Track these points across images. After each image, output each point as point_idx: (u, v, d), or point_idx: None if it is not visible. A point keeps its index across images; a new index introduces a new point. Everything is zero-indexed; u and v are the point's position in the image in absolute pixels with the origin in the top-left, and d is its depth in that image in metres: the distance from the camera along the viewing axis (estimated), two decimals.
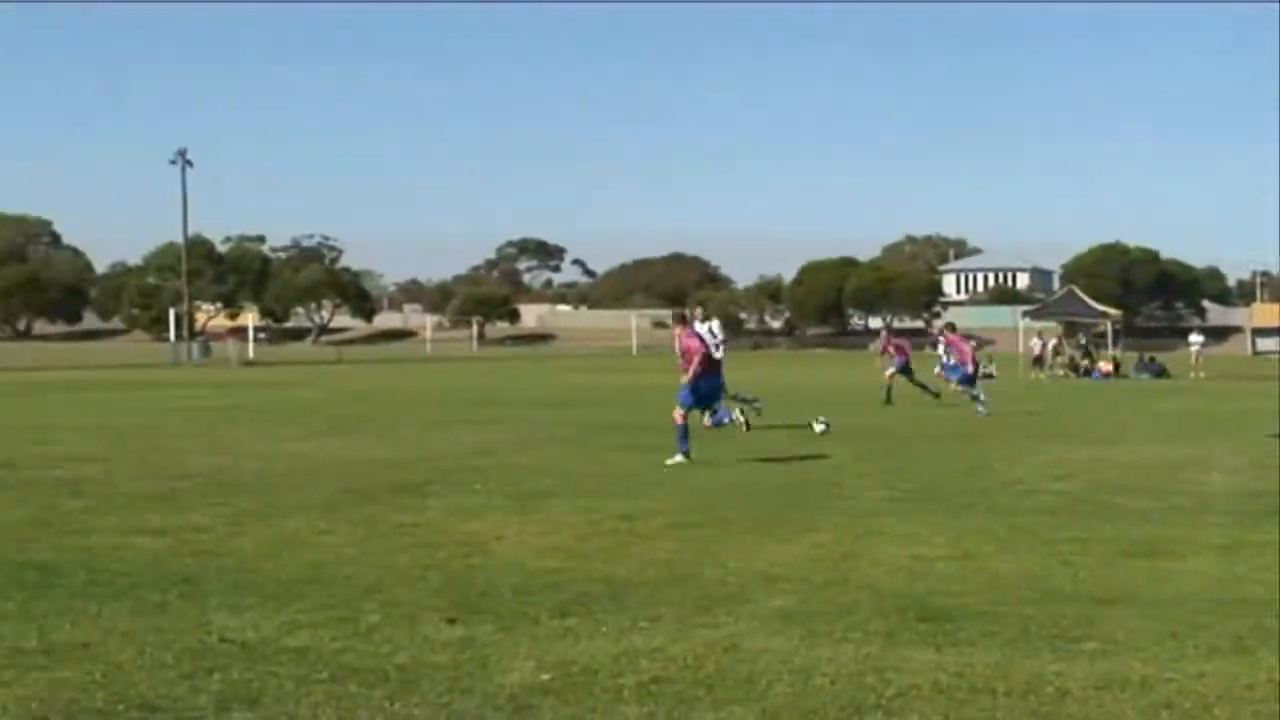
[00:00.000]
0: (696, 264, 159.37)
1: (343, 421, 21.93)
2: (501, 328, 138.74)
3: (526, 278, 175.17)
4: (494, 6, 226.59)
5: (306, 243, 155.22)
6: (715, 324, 17.75)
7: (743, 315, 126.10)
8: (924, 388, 27.57)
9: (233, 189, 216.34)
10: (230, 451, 16.31)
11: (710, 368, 15.87)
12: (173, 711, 5.29)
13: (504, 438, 18.70)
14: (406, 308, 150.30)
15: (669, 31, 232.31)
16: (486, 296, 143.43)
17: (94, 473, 13.68)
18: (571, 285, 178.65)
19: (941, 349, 28.76)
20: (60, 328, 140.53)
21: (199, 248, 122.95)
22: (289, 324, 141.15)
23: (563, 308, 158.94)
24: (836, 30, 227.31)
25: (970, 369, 26.49)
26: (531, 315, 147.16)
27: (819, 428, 18.96)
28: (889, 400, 27.11)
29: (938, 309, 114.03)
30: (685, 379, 15.66)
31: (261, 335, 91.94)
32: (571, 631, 6.68)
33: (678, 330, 16.83)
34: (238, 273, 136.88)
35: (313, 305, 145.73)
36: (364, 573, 8.22)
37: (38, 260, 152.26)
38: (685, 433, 15.15)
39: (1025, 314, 57.62)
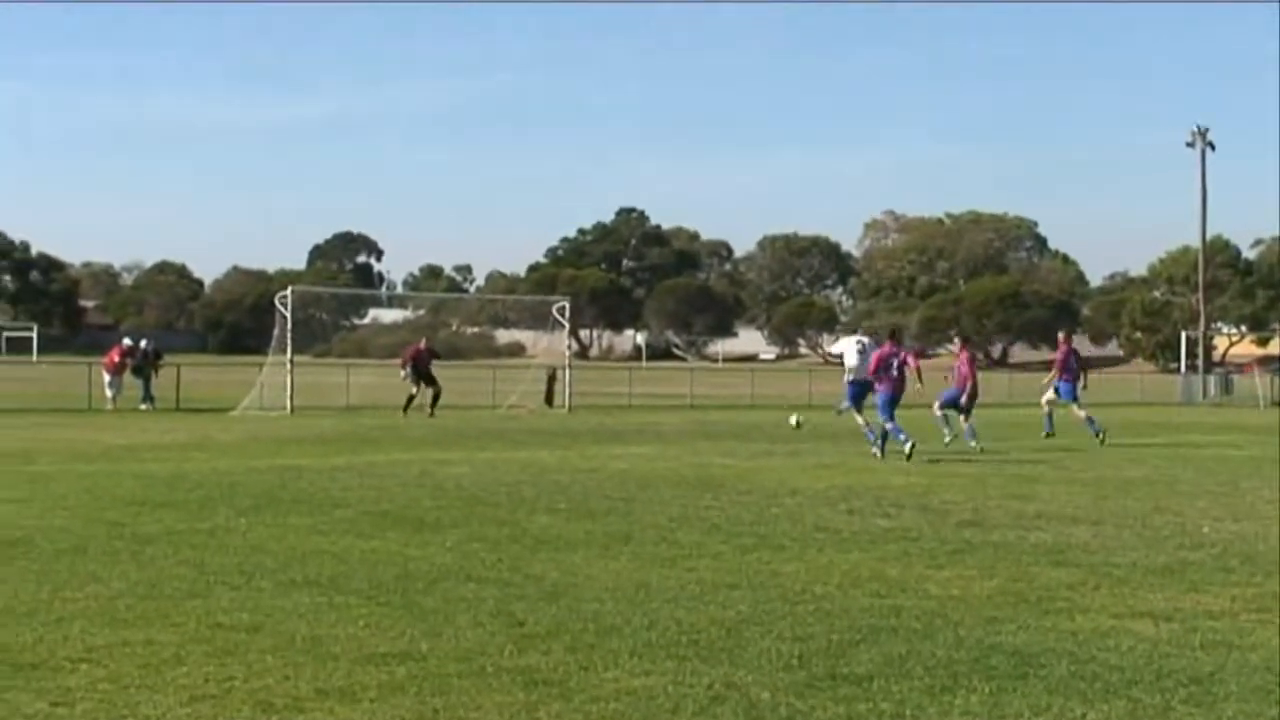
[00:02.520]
0: None
1: None
2: None
3: None
4: None
5: None
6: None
7: None
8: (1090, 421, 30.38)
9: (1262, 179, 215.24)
10: (1256, 516, 16.24)
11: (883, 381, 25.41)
12: None
13: None
14: None
15: None
16: None
17: (1081, 537, 14.17)
18: None
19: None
20: (1043, 354, 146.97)
21: (1220, 254, 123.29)
22: None
23: None
24: None
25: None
26: None
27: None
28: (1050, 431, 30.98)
29: None
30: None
31: None
32: None
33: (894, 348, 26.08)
34: (1268, 286, 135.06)
35: None
36: None
37: (1019, 270, 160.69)
38: (897, 431, 24.55)
39: None
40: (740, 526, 14.68)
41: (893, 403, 25.28)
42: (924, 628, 9.41)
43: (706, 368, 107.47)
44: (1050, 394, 31.82)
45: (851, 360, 26.55)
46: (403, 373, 40.73)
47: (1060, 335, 33.76)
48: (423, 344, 41.88)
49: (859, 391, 26.42)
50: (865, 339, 28.05)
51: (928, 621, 9.62)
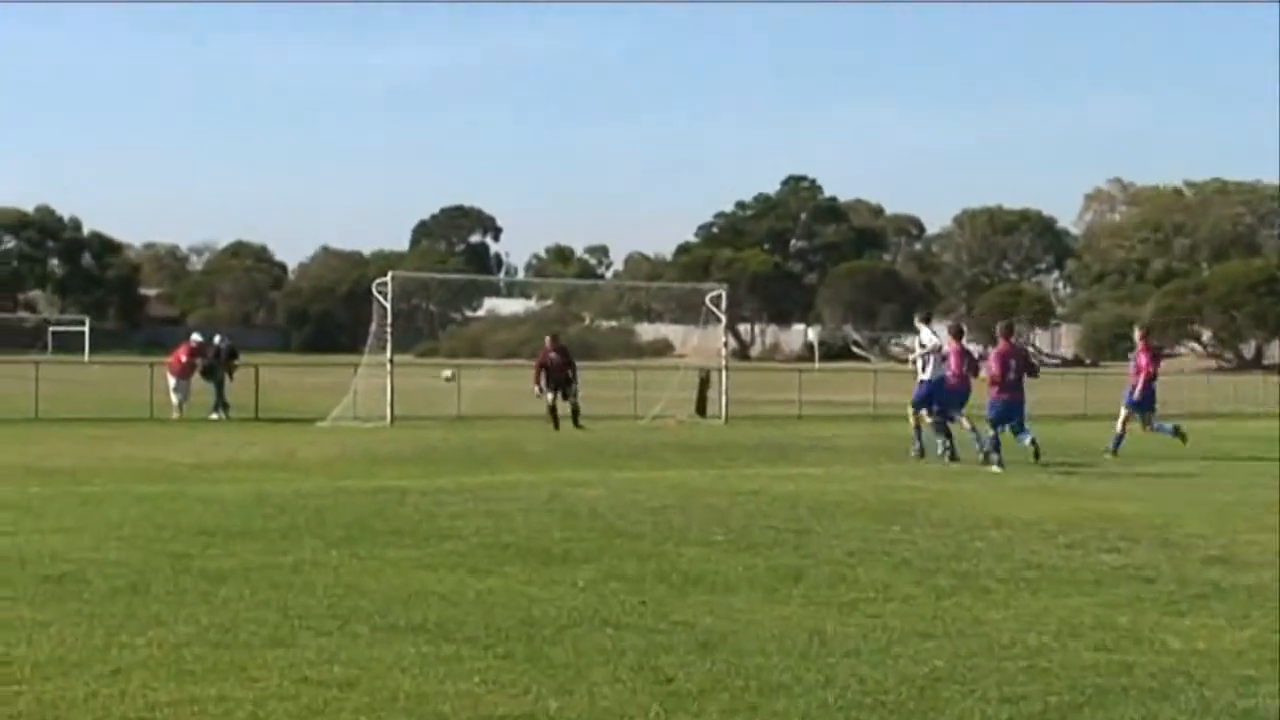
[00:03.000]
0: None
1: None
2: None
3: None
4: None
5: None
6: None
7: None
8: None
9: None
10: None
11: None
12: None
13: None
14: None
15: None
16: None
17: None
18: None
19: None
20: None
21: None
22: None
23: None
24: None
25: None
26: None
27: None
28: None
29: None
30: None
31: None
32: None
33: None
34: None
35: None
36: None
37: (1276, 251, 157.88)
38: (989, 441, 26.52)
39: None
40: (934, 563, 14.64)
41: (1012, 409, 27.06)
42: (1161, 688, 9.37)
43: (892, 369, 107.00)
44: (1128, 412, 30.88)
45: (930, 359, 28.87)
46: (545, 393, 39.34)
47: (1137, 332, 32.64)
48: (547, 342, 41.18)
49: (930, 393, 28.69)
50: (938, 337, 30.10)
51: (1166, 681, 9.58)
